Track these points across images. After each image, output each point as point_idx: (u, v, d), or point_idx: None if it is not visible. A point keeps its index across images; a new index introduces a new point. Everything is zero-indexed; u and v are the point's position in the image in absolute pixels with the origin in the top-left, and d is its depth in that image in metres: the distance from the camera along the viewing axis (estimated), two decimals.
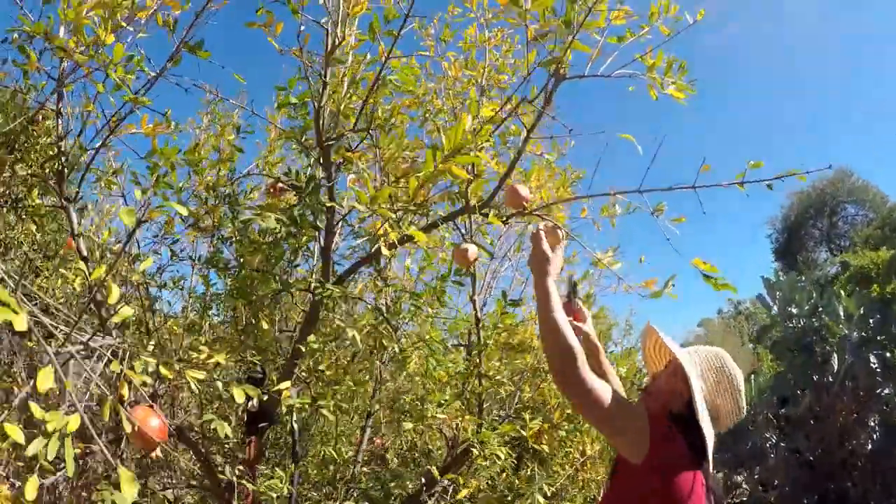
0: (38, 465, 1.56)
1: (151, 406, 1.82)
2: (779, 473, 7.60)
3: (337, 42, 2.91)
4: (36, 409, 1.60)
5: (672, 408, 2.04)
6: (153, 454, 1.85)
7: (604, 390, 1.85)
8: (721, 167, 2.52)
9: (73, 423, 1.52)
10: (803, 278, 9.11)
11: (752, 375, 8.32)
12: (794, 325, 7.91)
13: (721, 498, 2.06)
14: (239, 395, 2.02)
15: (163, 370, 1.89)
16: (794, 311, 7.93)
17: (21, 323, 1.39)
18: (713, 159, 2.48)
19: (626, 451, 1.90)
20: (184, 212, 2.21)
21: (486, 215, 2.73)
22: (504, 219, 2.83)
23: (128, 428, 1.67)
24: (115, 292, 1.72)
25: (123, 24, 2.66)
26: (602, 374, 2.39)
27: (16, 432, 1.60)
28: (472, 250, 2.74)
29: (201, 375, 1.93)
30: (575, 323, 2.38)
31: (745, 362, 19.16)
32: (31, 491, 1.48)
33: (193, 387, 2.02)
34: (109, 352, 1.80)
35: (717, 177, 2.48)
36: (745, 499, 8.41)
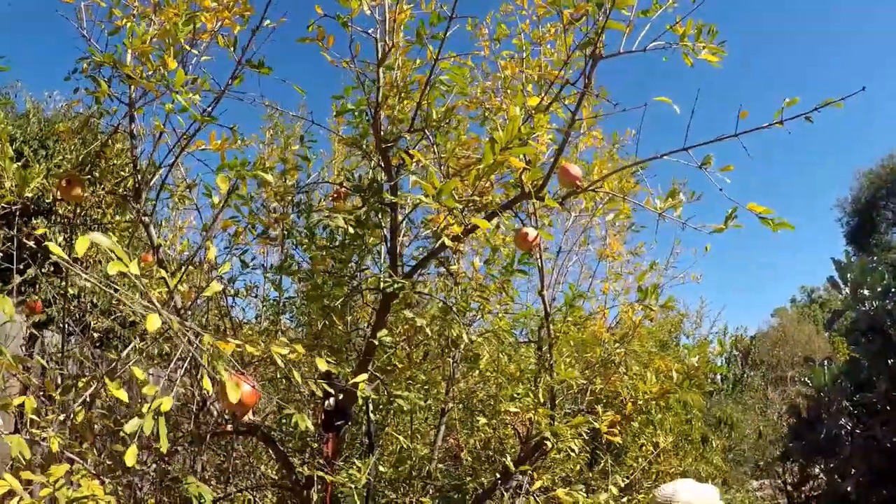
0: (133, 442, 1.67)
1: (242, 373, 1.92)
2: (855, 462, 7.39)
3: (387, 49, 2.98)
4: (138, 371, 1.71)
5: None
6: (245, 418, 1.95)
7: None
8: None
9: (167, 403, 1.61)
10: (875, 259, 8.83)
11: (826, 361, 8.10)
12: (867, 309, 7.68)
13: None
14: (323, 371, 2.09)
15: (249, 348, 1.97)
16: (867, 293, 7.70)
17: (135, 269, 1.48)
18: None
19: None
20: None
21: (543, 199, 2.78)
22: (560, 200, 2.87)
23: (226, 376, 1.75)
24: (213, 251, 1.83)
25: (187, 47, 2.78)
26: None
27: (121, 392, 1.72)
28: (532, 233, 2.80)
29: (286, 351, 2.01)
30: None
31: (821, 350, 18.74)
32: (130, 458, 1.60)
33: (280, 363, 2.08)
34: (197, 341, 1.88)
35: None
36: (821, 491, 8.22)
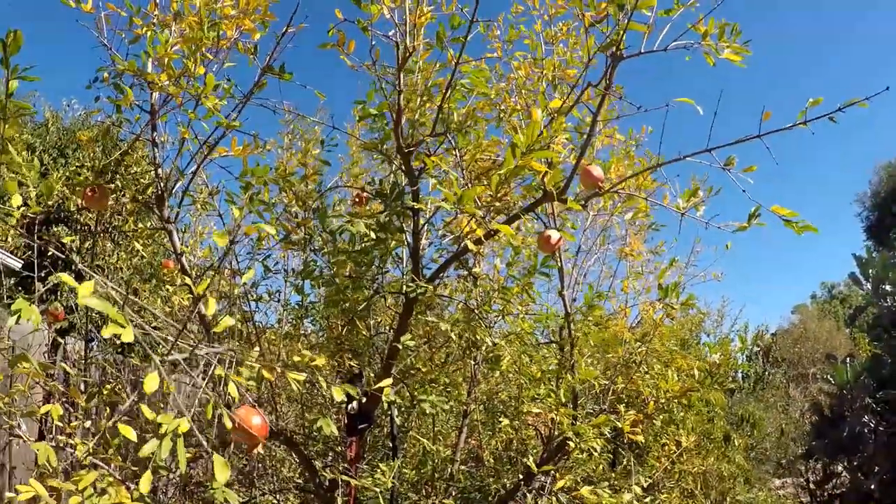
0: (151, 464, 1.68)
1: (253, 406, 1.90)
2: (879, 459, 7.31)
3: (407, 53, 2.99)
4: (147, 411, 1.72)
5: None
6: (255, 451, 1.95)
7: None
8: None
9: (184, 425, 1.62)
10: None
11: (848, 358, 8.03)
12: (890, 304, 7.60)
13: None
14: (338, 393, 2.09)
15: (265, 373, 1.98)
16: (889, 289, 7.62)
17: (129, 335, 1.50)
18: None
19: None
20: (272, 231, 2.31)
21: (565, 201, 2.78)
22: (583, 202, 2.87)
23: (229, 425, 1.76)
24: (213, 304, 1.84)
25: (209, 56, 2.80)
26: None
27: (129, 432, 1.73)
28: (555, 235, 2.81)
29: (302, 377, 2.01)
30: None
31: (843, 347, 18.60)
32: (145, 485, 1.61)
33: (295, 388, 2.10)
34: (216, 359, 1.90)
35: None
36: (844, 489, 8.13)
